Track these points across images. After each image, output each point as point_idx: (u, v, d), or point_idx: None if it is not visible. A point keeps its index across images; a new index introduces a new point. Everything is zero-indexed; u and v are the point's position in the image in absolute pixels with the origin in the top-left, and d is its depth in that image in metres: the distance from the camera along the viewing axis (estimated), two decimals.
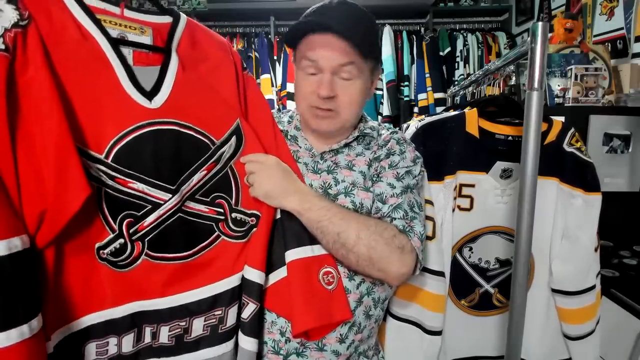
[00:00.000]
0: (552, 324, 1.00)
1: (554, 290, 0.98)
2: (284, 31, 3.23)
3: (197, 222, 0.71)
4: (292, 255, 0.75)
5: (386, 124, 0.93)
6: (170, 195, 0.66)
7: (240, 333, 0.74)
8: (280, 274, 0.76)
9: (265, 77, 2.98)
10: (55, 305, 0.59)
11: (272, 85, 3.01)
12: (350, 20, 0.75)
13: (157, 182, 0.65)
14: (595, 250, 0.97)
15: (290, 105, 2.91)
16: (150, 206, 0.65)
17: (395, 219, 0.76)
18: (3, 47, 0.51)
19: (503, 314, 1.02)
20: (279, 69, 3.02)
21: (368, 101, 0.86)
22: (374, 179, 0.82)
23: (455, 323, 1.01)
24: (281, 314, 0.77)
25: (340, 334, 0.78)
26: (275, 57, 3.04)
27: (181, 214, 0.68)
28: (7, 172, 0.52)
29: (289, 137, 0.85)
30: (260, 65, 3.00)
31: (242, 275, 0.74)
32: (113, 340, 0.66)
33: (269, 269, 0.76)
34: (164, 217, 0.66)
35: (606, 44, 1.95)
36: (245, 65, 0.82)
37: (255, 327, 0.74)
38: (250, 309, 0.73)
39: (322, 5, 0.78)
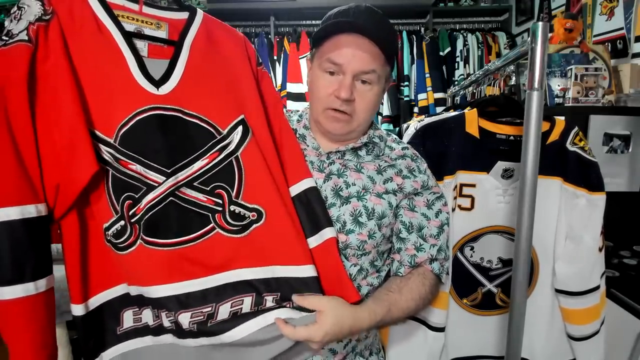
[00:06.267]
0: (556, 324, 1.00)
1: (558, 291, 0.98)
2: (284, 31, 3.23)
3: (193, 210, 0.70)
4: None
5: (393, 135, 0.93)
6: (164, 178, 0.67)
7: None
8: None
9: None
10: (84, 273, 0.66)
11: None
12: (378, 24, 0.76)
13: (152, 164, 0.66)
14: (600, 250, 0.97)
15: (291, 105, 2.90)
16: (145, 188, 0.66)
17: (435, 260, 0.83)
18: (27, 38, 0.59)
19: (506, 314, 1.01)
20: (279, 69, 3.02)
21: None
22: (404, 203, 0.84)
23: (457, 321, 1.01)
24: None
25: None
26: (275, 57, 3.04)
27: (174, 199, 0.68)
28: (29, 149, 0.59)
29: (297, 135, 0.86)
30: None
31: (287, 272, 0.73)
32: (129, 313, 0.70)
33: None
34: (156, 200, 0.67)
35: (606, 44, 1.95)
36: (260, 61, 0.84)
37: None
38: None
39: (348, 8, 0.77)
